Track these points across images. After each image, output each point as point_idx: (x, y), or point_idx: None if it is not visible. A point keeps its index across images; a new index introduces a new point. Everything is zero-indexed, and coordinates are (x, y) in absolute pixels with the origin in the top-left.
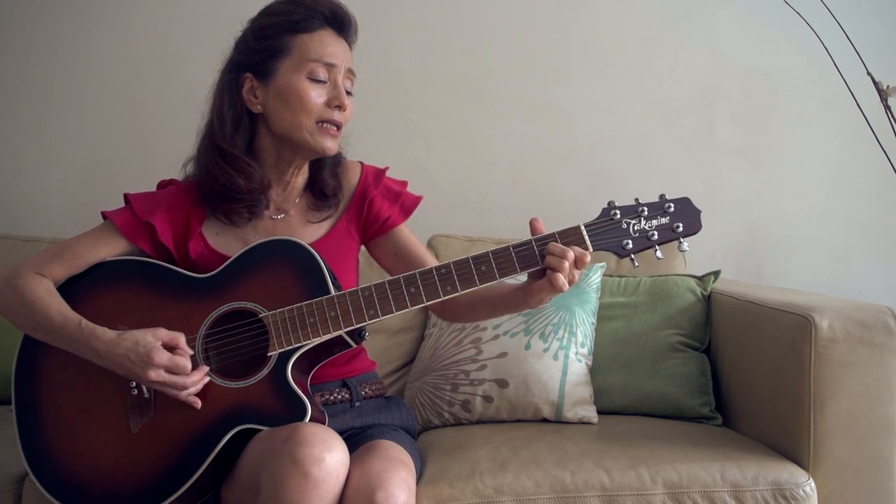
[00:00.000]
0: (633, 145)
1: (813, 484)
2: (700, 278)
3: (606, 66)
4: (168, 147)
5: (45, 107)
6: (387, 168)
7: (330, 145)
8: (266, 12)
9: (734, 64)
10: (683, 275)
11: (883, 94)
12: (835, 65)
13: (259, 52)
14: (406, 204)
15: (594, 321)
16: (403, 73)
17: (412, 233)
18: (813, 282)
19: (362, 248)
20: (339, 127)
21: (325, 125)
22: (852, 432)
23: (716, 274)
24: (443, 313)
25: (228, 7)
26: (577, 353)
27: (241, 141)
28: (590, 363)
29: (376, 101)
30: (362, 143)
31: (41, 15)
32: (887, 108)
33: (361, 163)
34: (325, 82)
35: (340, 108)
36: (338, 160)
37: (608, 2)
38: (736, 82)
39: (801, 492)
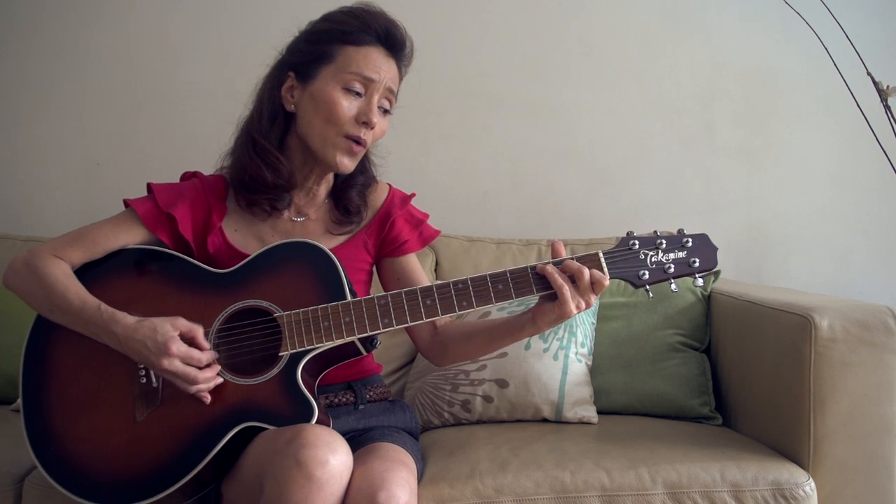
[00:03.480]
0: (633, 145)
1: (813, 484)
2: (702, 283)
3: (606, 66)
4: (167, 147)
5: (44, 107)
6: (413, 195)
7: (346, 162)
8: (324, 18)
9: (734, 64)
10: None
11: (883, 94)
12: (835, 65)
13: (305, 54)
14: (424, 234)
15: (594, 321)
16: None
17: (419, 264)
18: (813, 282)
19: None
20: (362, 144)
21: (347, 141)
22: (852, 432)
23: (716, 274)
24: (430, 350)
25: (227, 8)
26: (577, 353)
27: (275, 136)
28: (590, 363)
29: None
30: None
31: (41, 15)
32: (887, 108)
33: (390, 185)
34: (360, 95)
35: (368, 125)
36: (368, 183)
37: (608, 2)
38: (736, 82)
39: (801, 492)
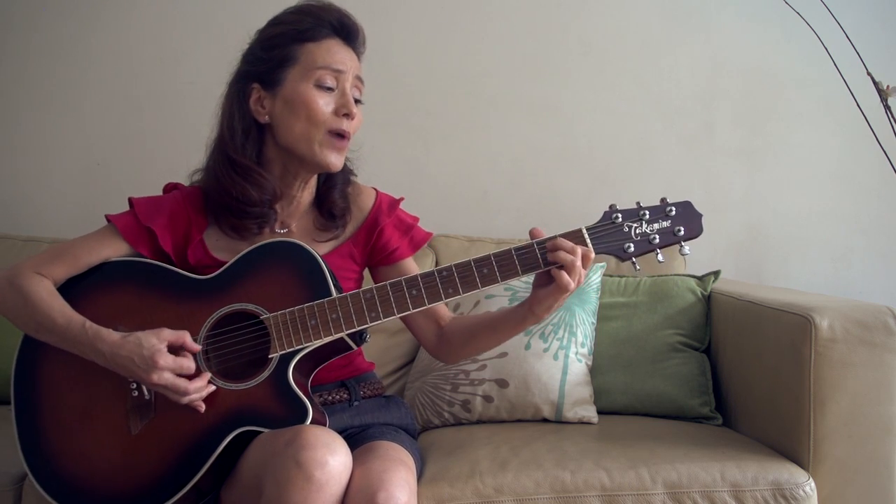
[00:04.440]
0: (633, 145)
1: (813, 484)
2: (700, 278)
3: (606, 66)
4: (167, 147)
5: (44, 107)
6: (402, 199)
7: (334, 160)
8: (273, 22)
9: (734, 64)
10: (683, 275)
11: (883, 94)
12: (835, 65)
13: (266, 61)
14: (415, 239)
15: (594, 321)
16: (403, 72)
17: (416, 266)
18: (813, 282)
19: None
20: (346, 137)
21: (332, 137)
22: (852, 432)
23: (716, 274)
24: (438, 349)
25: (227, 7)
26: (577, 353)
27: (252, 151)
28: (590, 363)
29: (376, 102)
30: (363, 143)
31: (41, 15)
32: (887, 108)
33: (376, 190)
34: (332, 90)
35: (348, 116)
36: (348, 180)
37: (608, 2)
38: (736, 82)
39: (801, 492)
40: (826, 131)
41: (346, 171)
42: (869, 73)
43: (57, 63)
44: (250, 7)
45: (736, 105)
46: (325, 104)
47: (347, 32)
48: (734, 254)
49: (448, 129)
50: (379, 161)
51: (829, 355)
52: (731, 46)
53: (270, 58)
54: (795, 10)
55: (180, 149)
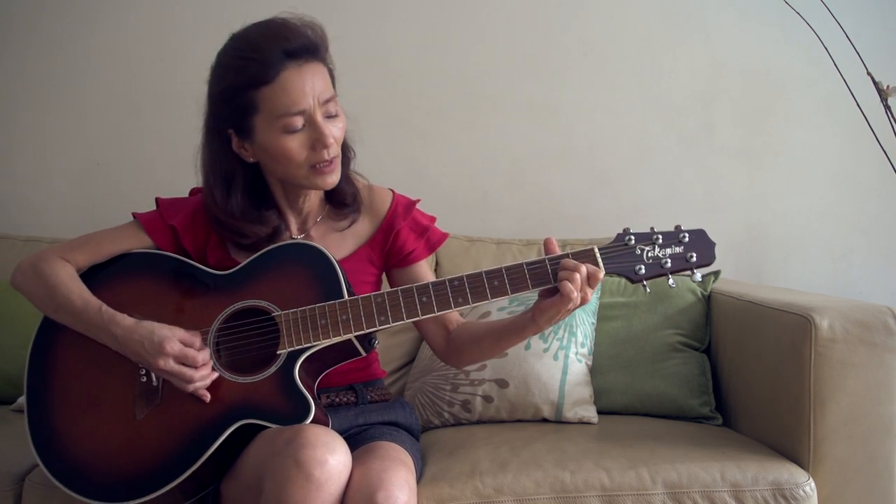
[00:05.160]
0: (633, 145)
1: (813, 484)
2: (700, 278)
3: (606, 66)
4: (166, 147)
5: (44, 107)
6: (418, 200)
7: (328, 180)
8: (223, 70)
9: (734, 64)
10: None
11: (883, 94)
12: (835, 65)
13: (231, 113)
14: (432, 240)
15: (594, 321)
16: (403, 73)
17: (430, 269)
18: (813, 282)
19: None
20: (332, 161)
21: (318, 166)
22: (852, 432)
23: (716, 274)
24: (446, 354)
25: (226, 8)
26: (577, 353)
27: (238, 199)
28: (590, 363)
29: (376, 102)
30: (362, 143)
31: (40, 15)
32: (887, 108)
33: (393, 191)
34: (304, 128)
35: (325, 147)
36: (347, 161)
37: (608, 2)
38: (736, 82)
39: (801, 492)
40: (826, 131)
41: (348, 155)
42: (869, 73)
43: (56, 63)
44: (250, 8)
45: (736, 105)
46: (299, 146)
47: (297, 52)
48: (734, 254)
49: (448, 129)
50: (379, 161)
51: (829, 355)
52: (731, 46)
53: (233, 110)
54: (795, 10)
55: (179, 149)
